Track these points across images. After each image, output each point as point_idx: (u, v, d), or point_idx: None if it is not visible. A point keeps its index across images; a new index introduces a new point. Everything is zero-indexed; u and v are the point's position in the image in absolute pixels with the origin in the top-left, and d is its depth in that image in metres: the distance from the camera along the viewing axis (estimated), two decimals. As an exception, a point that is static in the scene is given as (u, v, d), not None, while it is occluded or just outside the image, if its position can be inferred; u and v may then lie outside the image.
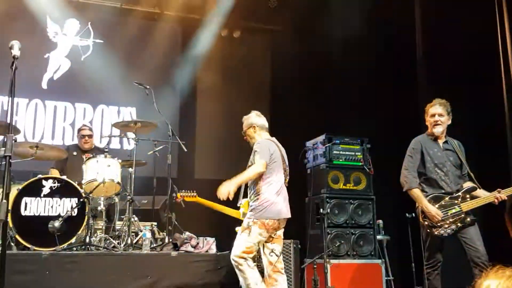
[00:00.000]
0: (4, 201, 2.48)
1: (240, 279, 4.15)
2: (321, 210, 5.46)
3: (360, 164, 5.92)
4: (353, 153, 5.92)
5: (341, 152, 5.88)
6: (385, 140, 6.75)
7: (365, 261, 5.64)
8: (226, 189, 4.05)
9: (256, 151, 4.23)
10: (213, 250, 5.24)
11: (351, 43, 7.00)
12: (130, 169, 5.55)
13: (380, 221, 6.01)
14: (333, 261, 5.38)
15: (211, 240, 5.28)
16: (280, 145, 4.46)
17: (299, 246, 5.23)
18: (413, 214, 4.59)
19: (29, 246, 4.60)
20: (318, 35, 7.46)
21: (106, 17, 7.78)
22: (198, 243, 5.22)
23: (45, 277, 4.28)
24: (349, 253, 5.64)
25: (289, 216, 4.33)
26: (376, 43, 7.13)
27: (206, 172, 8.02)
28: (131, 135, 5.92)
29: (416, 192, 4.28)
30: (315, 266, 5.27)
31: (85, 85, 7.74)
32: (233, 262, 4.14)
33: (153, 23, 8.15)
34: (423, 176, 4.36)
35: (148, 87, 5.61)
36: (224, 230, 6.04)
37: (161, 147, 5.82)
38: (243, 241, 4.14)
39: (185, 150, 5.70)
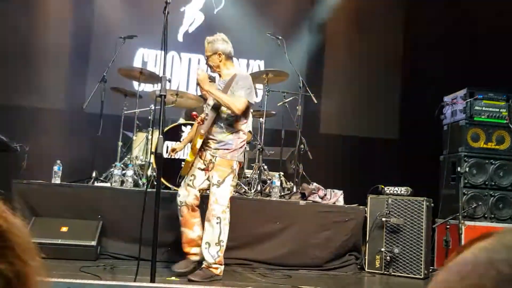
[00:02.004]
0: (161, 136, 2.67)
1: (210, 231, 3.68)
2: (458, 169, 5.16)
3: (505, 121, 5.42)
4: (498, 110, 5.43)
5: (483, 108, 5.43)
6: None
7: (504, 225, 5.25)
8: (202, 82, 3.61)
9: (244, 87, 3.70)
10: (340, 202, 5.22)
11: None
12: (260, 119, 5.68)
13: (524, 184, 5.52)
14: (468, 223, 5.09)
15: (339, 193, 5.26)
16: None
17: (432, 204, 5.00)
18: None
19: (170, 186, 4.97)
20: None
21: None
22: (325, 195, 5.23)
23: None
24: (486, 215, 5.30)
25: None
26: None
27: (332, 127, 7.94)
28: (259, 86, 6.00)
29: None
30: (448, 226, 5.04)
31: (217, 38, 7.98)
32: (217, 215, 3.66)
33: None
34: None
35: (280, 37, 5.62)
36: (351, 182, 6.00)
37: (291, 98, 5.84)
38: (229, 188, 3.75)
39: (315, 102, 5.67)
